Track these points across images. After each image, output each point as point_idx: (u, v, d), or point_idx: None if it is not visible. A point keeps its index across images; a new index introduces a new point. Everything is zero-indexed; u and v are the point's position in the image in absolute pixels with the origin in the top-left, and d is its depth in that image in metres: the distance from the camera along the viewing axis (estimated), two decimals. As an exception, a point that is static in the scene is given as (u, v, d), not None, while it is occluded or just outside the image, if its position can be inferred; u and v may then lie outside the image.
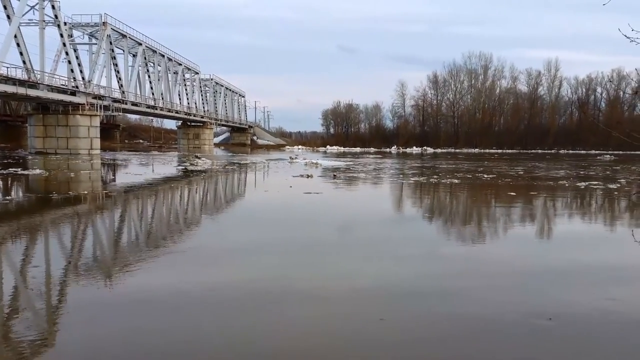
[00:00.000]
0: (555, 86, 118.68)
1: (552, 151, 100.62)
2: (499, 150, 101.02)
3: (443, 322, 5.12)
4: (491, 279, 6.89)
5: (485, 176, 26.42)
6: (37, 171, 25.24)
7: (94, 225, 11.63)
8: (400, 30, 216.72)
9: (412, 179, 24.33)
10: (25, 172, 24.82)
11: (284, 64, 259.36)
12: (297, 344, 4.58)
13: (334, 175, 24.86)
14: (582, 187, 20.77)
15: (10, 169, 26.00)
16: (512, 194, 18.10)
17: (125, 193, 18.38)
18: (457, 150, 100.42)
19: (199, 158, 40.25)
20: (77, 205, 14.52)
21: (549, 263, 7.92)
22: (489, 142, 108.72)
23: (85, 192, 17.65)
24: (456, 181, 22.73)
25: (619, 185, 21.64)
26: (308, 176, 24.34)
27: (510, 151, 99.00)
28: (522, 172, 30.23)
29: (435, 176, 25.96)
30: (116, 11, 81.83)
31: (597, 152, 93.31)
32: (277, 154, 65.39)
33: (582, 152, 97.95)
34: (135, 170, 30.62)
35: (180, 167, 31.63)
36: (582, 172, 31.07)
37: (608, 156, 63.34)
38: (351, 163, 41.12)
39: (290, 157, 46.38)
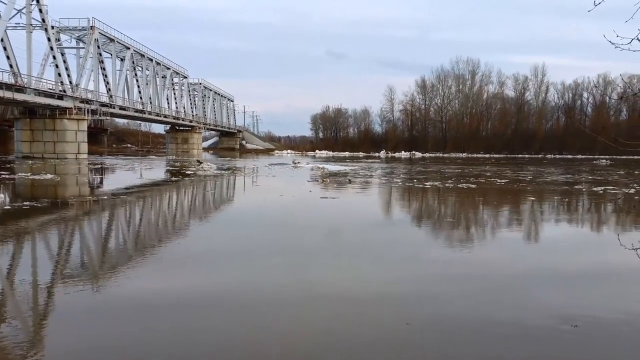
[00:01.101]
0: (542, 91, 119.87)
1: (540, 156, 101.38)
2: (487, 155, 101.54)
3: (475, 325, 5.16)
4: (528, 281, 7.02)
5: (499, 181, 26.25)
6: (48, 176, 25.19)
7: (131, 227, 11.92)
8: (388, 36, 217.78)
9: (426, 183, 23.99)
10: (37, 177, 24.71)
11: (273, 68, 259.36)
12: (300, 346, 4.65)
13: (349, 180, 24.84)
14: (600, 191, 20.75)
15: (20, 174, 26.04)
16: (532, 198, 18.17)
17: (157, 195, 19.08)
18: (445, 155, 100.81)
19: (201, 163, 40.20)
20: (111, 208, 14.81)
21: (588, 266, 8.08)
22: (476, 147, 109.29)
23: (127, 194, 17.92)
24: (472, 186, 22.59)
25: (635, 190, 21.67)
26: (322, 180, 24.31)
27: (497, 156, 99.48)
28: (530, 177, 30.11)
29: (449, 181, 25.66)
30: (99, 14, 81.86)
31: (583, 156, 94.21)
32: (270, 159, 65.13)
33: (569, 156, 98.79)
34: (145, 174, 30.90)
35: (189, 172, 31.57)
36: (589, 177, 31.03)
37: (604, 161, 64.33)
38: (356, 167, 40.97)
39: (294, 162, 46.18)
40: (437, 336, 4.91)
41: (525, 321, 5.29)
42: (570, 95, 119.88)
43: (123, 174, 31.77)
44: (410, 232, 11.46)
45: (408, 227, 12.30)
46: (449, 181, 25.43)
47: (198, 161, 44.32)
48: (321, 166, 37.53)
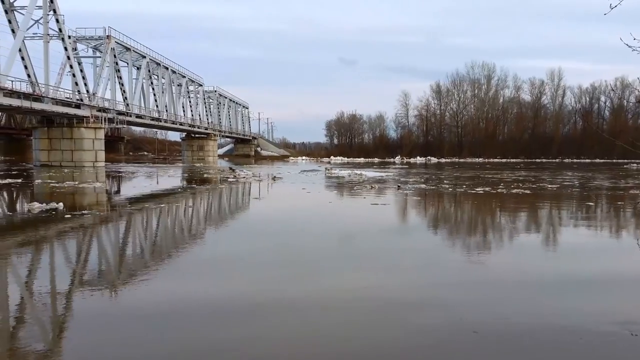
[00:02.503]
0: (558, 95, 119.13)
1: (557, 160, 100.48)
2: (504, 160, 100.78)
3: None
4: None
5: (549, 186, 25.44)
6: (98, 184, 25.60)
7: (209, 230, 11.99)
8: (398, 42, 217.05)
9: (476, 189, 23.12)
10: (88, 185, 25.11)
11: (286, 75, 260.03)
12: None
13: (399, 186, 24.46)
14: None
15: (68, 182, 26.37)
16: (590, 203, 17.85)
17: (225, 199, 19.78)
18: (462, 160, 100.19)
19: (234, 170, 40.53)
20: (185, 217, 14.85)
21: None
22: (493, 152, 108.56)
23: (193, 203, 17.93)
24: (527, 191, 21.93)
25: None
26: (371, 187, 24.07)
27: (514, 160, 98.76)
28: (577, 182, 29.28)
29: (499, 186, 24.73)
30: (110, 23, 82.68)
31: (602, 160, 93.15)
32: (293, 166, 64.82)
33: (587, 160, 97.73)
34: (181, 181, 31.49)
35: (230, 178, 31.78)
36: (636, 182, 30.20)
37: (635, 165, 64.17)
38: (391, 174, 39.83)
39: (327, 169, 45.84)
40: (506, 345, 4.76)
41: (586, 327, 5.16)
42: (588, 99, 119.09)
43: (167, 180, 32.24)
44: (489, 239, 11.02)
45: (482, 234, 11.80)
46: (499, 187, 24.46)
47: (231, 169, 44.44)
48: (359, 172, 37.11)
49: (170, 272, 7.57)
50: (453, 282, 7.01)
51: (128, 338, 4.86)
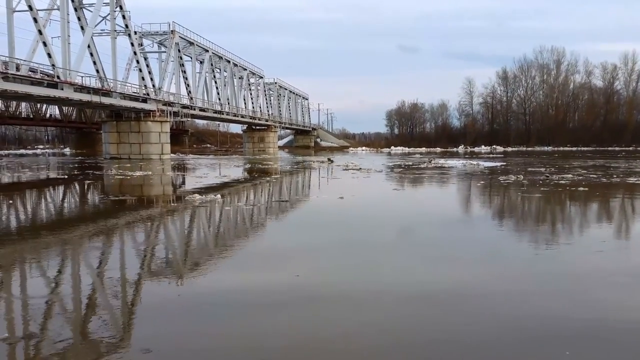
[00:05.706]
0: (632, 80, 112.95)
1: (631, 148, 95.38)
2: (574, 148, 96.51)
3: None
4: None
5: None
6: (209, 174, 26.81)
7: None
8: (460, 27, 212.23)
9: (630, 178, 21.19)
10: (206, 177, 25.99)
11: (345, 66, 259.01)
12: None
13: (547, 177, 22.99)
14: None
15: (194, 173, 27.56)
16: None
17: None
18: (530, 149, 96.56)
19: (332, 161, 41.28)
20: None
21: None
22: (562, 140, 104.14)
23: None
24: None
25: None
26: (516, 177, 22.85)
27: (586, 149, 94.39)
28: None
29: None
30: (176, 18, 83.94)
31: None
32: (348, 156, 64.05)
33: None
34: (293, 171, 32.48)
35: (341, 168, 31.86)
36: None
37: None
38: (503, 163, 36.97)
39: (429, 159, 45.00)
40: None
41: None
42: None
43: (266, 170, 32.97)
44: None
45: None
46: None
47: (329, 159, 44.03)
48: (474, 162, 35.72)
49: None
50: None
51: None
